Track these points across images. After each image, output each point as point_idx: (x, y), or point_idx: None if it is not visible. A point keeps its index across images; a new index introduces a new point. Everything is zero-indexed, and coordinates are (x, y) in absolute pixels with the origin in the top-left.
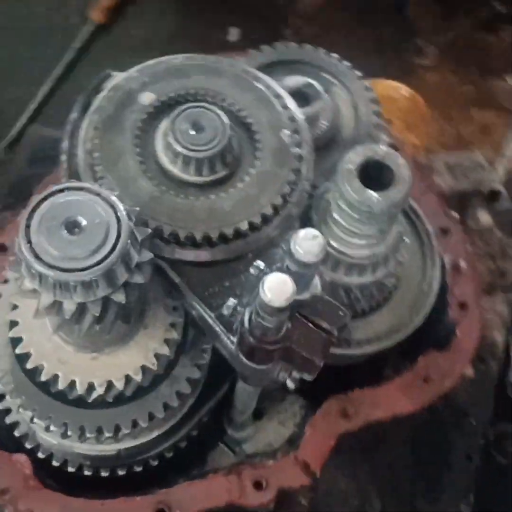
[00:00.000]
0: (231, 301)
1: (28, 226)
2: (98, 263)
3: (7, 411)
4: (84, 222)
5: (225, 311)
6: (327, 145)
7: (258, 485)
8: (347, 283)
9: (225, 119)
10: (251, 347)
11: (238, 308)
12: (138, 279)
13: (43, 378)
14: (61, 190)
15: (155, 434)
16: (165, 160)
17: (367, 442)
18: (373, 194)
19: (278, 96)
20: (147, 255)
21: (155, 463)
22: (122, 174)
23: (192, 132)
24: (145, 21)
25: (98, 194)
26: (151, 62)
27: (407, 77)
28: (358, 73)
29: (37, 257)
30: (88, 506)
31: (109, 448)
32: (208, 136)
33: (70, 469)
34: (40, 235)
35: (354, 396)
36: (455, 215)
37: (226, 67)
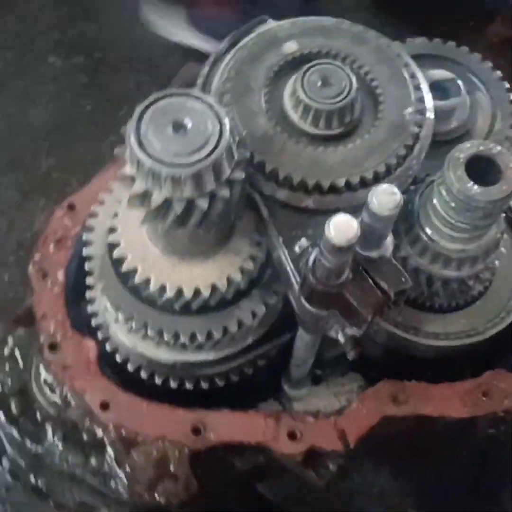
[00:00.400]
0: (305, 241)
1: (141, 117)
2: (191, 164)
3: (91, 301)
4: (190, 125)
5: (297, 249)
6: (452, 143)
7: (292, 436)
8: (430, 272)
9: (354, 82)
10: (311, 288)
11: (310, 249)
12: (225, 193)
13: (124, 269)
14: (181, 95)
15: (209, 355)
16: (288, 105)
17: (419, 451)
18: (474, 186)
19: (413, 77)
20: (239, 176)
21: (206, 385)
22: (246, 107)
23: (320, 85)
24: (338, 5)
25: (211, 107)
26: (304, 18)
27: None
28: (507, 85)
29: (140, 144)
30: (134, 403)
31: (166, 355)
32: (333, 92)
33: (130, 367)
34: (149, 126)
35: (409, 386)
36: None
37: (372, 38)
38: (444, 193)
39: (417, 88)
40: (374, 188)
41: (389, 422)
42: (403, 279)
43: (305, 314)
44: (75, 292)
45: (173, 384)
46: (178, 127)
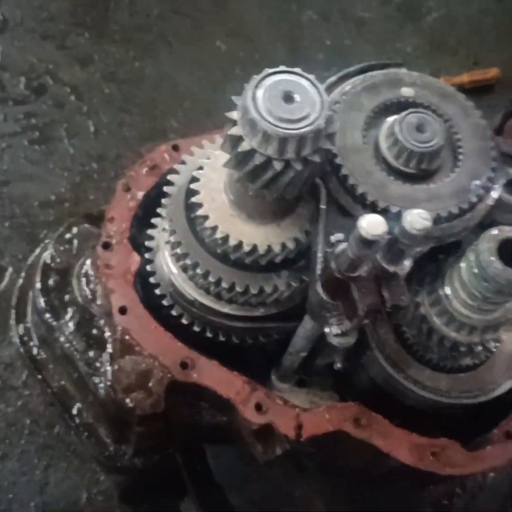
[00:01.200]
0: (341, 235)
1: (264, 78)
2: (282, 128)
3: (154, 226)
4: (297, 100)
5: (332, 238)
6: None
7: (258, 407)
8: (433, 325)
9: (442, 141)
10: (329, 273)
11: (341, 242)
12: (297, 166)
13: (193, 200)
14: (300, 75)
15: (224, 308)
16: (382, 134)
17: (361, 481)
18: (499, 263)
19: (495, 160)
20: (316, 159)
21: (209, 335)
22: (349, 119)
23: (414, 128)
24: None
25: (321, 95)
26: (432, 77)
27: None
28: None
29: (253, 97)
30: (147, 319)
31: (190, 291)
32: (422, 138)
33: (157, 291)
34: (264, 88)
35: (374, 416)
36: None
37: (477, 118)
38: (472, 258)
39: (494, 170)
40: (410, 210)
41: (344, 439)
42: (403, 298)
43: (316, 298)
44: (145, 217)
45: (185, 321)
46: (288, 97)
